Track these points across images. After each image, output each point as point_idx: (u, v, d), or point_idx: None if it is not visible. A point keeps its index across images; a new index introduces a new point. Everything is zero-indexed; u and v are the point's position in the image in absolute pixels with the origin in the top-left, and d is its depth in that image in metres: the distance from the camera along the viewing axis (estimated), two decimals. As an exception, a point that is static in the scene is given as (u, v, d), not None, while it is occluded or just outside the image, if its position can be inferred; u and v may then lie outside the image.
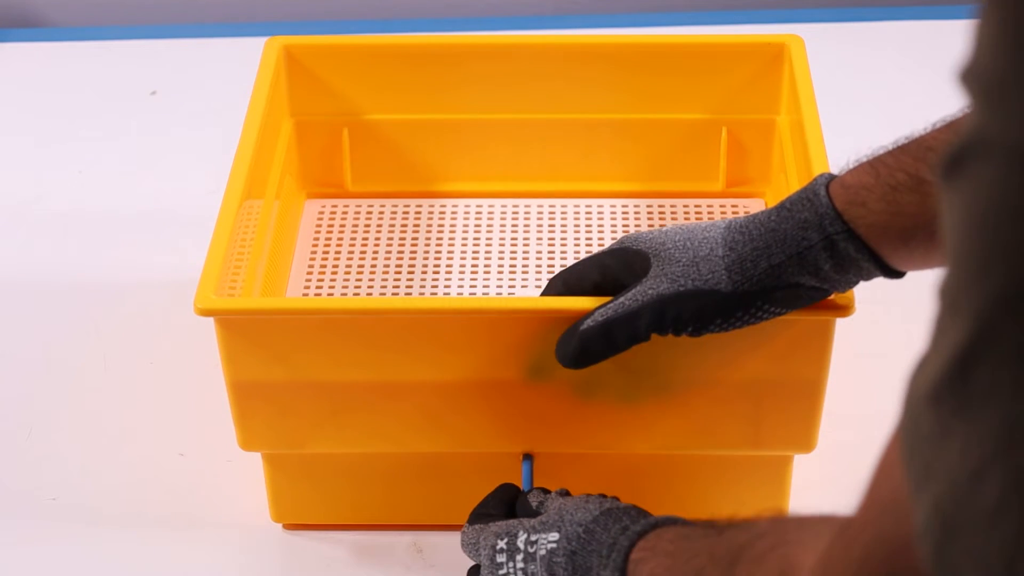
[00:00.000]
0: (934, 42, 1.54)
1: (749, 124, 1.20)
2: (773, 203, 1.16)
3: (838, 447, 1.09)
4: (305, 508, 1.06)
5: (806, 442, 0.99)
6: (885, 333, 1.18)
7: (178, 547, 1.06)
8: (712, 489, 1.04)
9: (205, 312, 0.93)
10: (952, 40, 1.56)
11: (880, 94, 1.49)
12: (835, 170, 0.92)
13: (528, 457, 1.01)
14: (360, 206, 1.24)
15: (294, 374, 0.97)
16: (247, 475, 1.08)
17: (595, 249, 1.20)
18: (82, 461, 1.12)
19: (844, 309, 0.92)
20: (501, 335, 0.95)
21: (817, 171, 0.98)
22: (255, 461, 1.04)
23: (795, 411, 0.98)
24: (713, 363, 0.96)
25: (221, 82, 1.53)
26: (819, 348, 0.95)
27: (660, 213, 1.23)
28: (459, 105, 1.21)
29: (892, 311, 1.15)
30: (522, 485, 0.99)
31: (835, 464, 1.10)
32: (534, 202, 1.24)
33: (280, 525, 1.07)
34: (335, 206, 1.24)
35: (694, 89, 1.19)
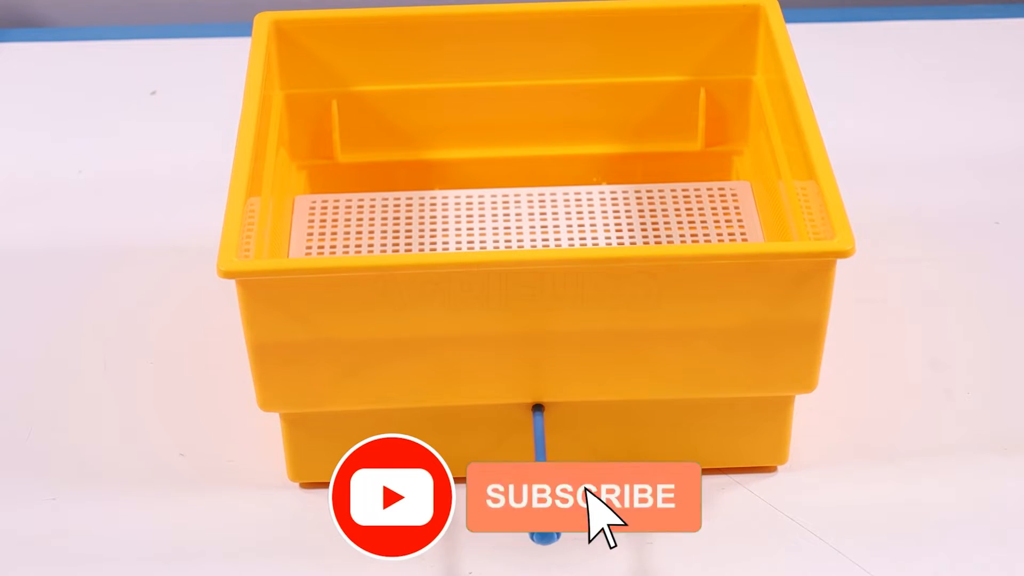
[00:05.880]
0: (934, 42, 1.54)
1: (726, 84, 1.23)
2: (752, 160, 1.21)
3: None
4: (322, 466, 1.07)
5: (808, 382, 1.02)
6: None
7: (177, 547, 1.06)
8: (716, 433, 1.07)
9: (228, 274, 0.95)
10: (952, 40, 1.56)
11: (880, 94, 1.49)
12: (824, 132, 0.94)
13: (538, 407, 1.04)
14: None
15: (314, 333, 0.99)
16: (247, 475, 1.09)
17: (584, 213, 1.23)
18: (82, 461, 1.12)
19: (844, 252, 0.95)
20: (513, 287, 0.98)
21: (805, 126, 1.03)
22: (255, 461, 1.04)
23: (797, 351, 1.00)
24: (716, 307, 0.98)
25: (221, 82, 1.53)
26: (820, 288, 0.98)
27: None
28: (445, 74, 1.23)
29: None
30: (533, 436, 1.02)
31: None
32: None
33: (297, 484, 1.08)
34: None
35: (672, 52, 1.23)
